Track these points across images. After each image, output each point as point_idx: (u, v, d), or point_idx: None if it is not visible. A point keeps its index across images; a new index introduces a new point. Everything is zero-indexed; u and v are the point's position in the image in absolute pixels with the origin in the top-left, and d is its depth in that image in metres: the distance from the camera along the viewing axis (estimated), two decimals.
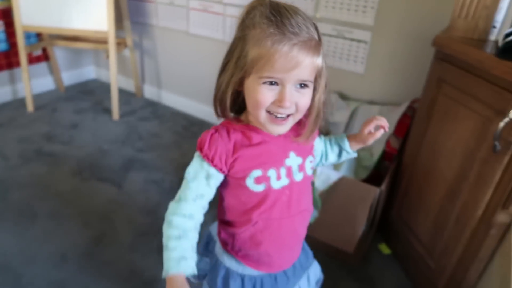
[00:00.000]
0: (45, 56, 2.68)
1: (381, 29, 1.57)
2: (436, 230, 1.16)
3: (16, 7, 2.14)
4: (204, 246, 0.88)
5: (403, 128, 1.36)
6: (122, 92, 2.72)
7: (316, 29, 0.63)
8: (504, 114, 0.87)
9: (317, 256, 1.06)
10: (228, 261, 0.80)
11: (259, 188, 0.69)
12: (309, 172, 0.76)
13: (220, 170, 0.69)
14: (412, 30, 1.50)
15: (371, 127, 0.79)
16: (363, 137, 0.80)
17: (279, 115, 0.64)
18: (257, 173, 0.69)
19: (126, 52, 2.63)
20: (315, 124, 0.69)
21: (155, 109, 2.57)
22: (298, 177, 0.73)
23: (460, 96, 1.03)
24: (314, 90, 0.66)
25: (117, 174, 1.83)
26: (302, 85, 0.63)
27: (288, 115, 0.65)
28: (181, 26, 2.26)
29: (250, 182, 0.69)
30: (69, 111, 2.47)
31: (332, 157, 0.87)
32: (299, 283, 0.86)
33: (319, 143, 0.84)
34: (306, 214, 0.80)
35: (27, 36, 2.47)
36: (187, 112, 2.53)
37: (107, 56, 2.23)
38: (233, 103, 0.68)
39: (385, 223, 1.44)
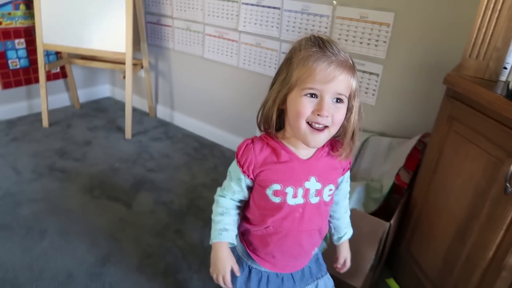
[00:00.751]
0: (62, 74, 2.76)
1: (393, 63, 1.60)
2: (446, 268, 1.15)
3: (39, 27, 2.23)
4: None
5: (414, 162, 1.37)
6: (135, 111, 2.78)
7: (351, 59, 0.74)
8: None
9: None
10: (241, 251, 0.93)
11: (276, 200, 0.80)
12: (326, 198, 0.83)
13: (248, 176, 0.81)
14: (423, 65, 1.53)
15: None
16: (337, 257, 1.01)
17: (316, 125, 0.72)
18: (276, 187, 0.78)
19: (141, 73, 2.70)
20: (352, 141, 0.78)
21: (167, 129, 2.61)
22: (314, 200, 0.81)
23: (471, 135, 1.04)
24: (350, 110, 0.75)
25: (127, 193, 1.85)
26: (338, 100, 0.72)
27: (325, 127, 0.72)
28: (196, 51, 2.33)
29: (269, 193, 0.79)
30: (83, 128, 2.52)
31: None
32: None
33: (345, 195, 0.95)
34: (315, 233, 0.88)
35: (47, 54, 2.56)
36: (198, 134, 2.56)
37: (124, 77, 2.29)
38: (278, 119, 0.78)
39: (394, 257, 1.43)
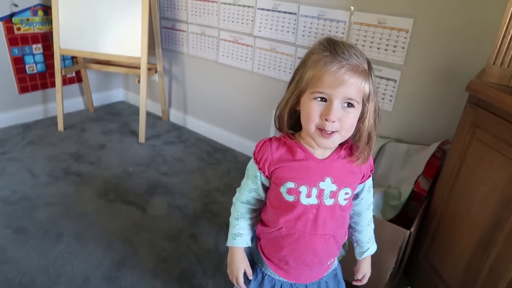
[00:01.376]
0: (77, 78, 2.79)
1: (411, 69, 1.58)
2: (468, 278, 1.12)
3: (56, 32, 2.26)
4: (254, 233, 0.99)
5: (433, 169, 1.35)
6: (148, 115, 2.79)
7: (368, 62, 0.72)
8: None
9: None
10: (256, 256, 0.92)
11: (290, 198, 0.79)
12: (341, 202, 0.81)
13: (264, 173, 0.82)
14: (442, 71, 1.51)
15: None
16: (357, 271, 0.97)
17: (325, 130, 0.71)
18: (290, 185, 0.78)
19: (155, 77, 2.72)
20: (367, 145, 0.77)
21: (180, 133, 2.62)
22: (328, 202, 0.79)
23: (496, 143, 1.02)
24: (364, 114, 0.74)
25: (141, 197, 1.86)
26: (349, 104, 0.70)
27: (334, 132, 0.72)
28: (210, 55, 2.34)
29: (283, 191, 0.79)
30: (97, 131, 2.54)
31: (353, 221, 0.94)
32: None
33: (367, 206, 0.92)
34: (330, 240, 0.84)
35: (63, 58, 2.59)
36: (211, 138, 2.57)
37: (139, 81, 2.31)
38: (289, 120, 0.79)
39: (412, 266, 1.40)
